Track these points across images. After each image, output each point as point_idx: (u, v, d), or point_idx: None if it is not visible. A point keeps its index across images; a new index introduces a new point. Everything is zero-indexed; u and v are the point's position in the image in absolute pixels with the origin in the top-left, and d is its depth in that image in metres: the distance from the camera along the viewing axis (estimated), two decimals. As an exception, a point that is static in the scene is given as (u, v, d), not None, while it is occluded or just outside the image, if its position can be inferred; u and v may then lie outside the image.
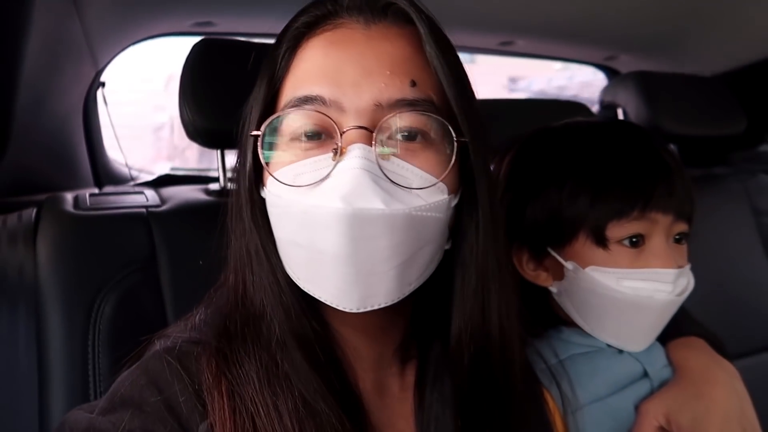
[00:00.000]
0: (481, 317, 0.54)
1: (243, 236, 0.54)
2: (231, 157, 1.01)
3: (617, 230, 0.68)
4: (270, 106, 0.53)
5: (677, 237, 0.72)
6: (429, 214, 0.49)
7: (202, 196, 0.99)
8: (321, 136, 0.50)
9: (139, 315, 0.81)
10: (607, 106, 1.48)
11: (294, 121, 0.50)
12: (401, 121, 0.49)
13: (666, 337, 0.75)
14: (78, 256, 0.82)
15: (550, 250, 0.73)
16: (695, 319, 0.82)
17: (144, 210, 0.89)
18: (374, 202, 0.45)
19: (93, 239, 0.84)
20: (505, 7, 1.34)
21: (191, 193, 1.00)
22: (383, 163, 0.48)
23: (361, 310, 0.49)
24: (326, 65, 0.50)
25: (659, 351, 0.75)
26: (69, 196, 0.91)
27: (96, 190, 0.99)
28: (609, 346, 0.74)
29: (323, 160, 0.49)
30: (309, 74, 0.51)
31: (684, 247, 0.73)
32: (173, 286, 0.84)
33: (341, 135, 0.48)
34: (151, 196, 0.96)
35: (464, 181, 0.53)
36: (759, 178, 1.52)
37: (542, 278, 0.75)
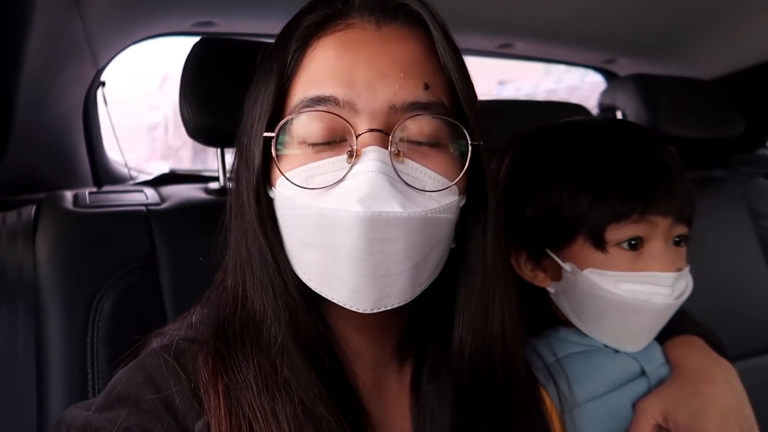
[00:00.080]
0: (484, 316, 0.55)
1: (244, 236, 0.54)
2: (230, 156, 1.01)
3: (616, 233, 0.68)
4: (278, 105, 0.52)
5: (677, 239, 0.71)
6: (442, 215, 0.49)
7: (202, 195, 0.99)
8: (334, 139, 0.49)
9: (139, 313, 0.81)
10: (606, 109, 1.48)
11: (307, 123, 0.49)
12: (415, 124, 0.49)
13: (664, 335, 0.74)
14: (77, 253, 0.82)
15: (548, 251, 0.73)
16: (693, 318, 0.81)
17: (144, 208, 0.89)
18: (392, 205, 0.45)
19: (92, 237, 0.84)
20: (504, 10, 1.34)
21: (191, 191, 1.00)
22: (398, 165, 0.48)
23: (375, 311, 0.49)
24: (339, 66, 0.49)
25: (656, 349, 0.75)
26: (69, 194, 0.91)
27: (95, 189, 0.99)
28: (606, 345, 0.74)
29: (338, 162, 0.48)
30: (321, 74, 0.50)
31: (683, 250, 0.73)
32: (172, 284, 0.84)
33: (357, 137, 0.48)
34: (150, 194, 0.97)
35: (471, 182, 0.53)
36: (757, 181, 1.53)
37: (540, 279, 0.75)
